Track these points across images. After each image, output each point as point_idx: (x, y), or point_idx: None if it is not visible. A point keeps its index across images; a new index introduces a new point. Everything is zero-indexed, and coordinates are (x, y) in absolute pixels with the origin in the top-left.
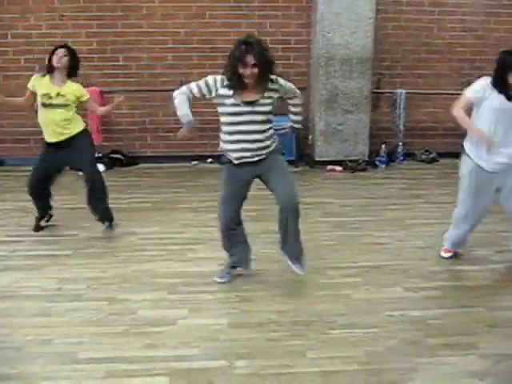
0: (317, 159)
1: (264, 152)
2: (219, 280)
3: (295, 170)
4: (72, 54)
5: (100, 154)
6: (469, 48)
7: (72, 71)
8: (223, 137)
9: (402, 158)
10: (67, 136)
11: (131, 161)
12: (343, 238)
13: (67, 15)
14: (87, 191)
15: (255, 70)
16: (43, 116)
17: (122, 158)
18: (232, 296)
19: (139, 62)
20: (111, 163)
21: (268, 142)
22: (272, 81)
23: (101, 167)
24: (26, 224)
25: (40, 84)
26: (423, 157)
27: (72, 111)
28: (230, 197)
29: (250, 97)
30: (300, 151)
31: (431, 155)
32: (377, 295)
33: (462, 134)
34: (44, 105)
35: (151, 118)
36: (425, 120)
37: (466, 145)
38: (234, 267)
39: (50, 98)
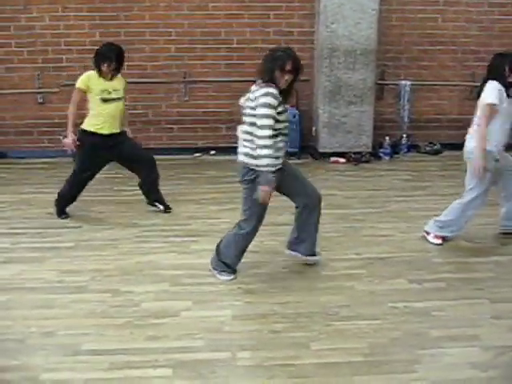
0: (320, 151)
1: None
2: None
3: (299, 161)
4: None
5: None
6: (473, 39)
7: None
8: None
9: (405, 150)
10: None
11: None
12: (347, 229)
13: (70, 7)
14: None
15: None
16: (102, 110)
17: None
18: (235, 288)
19: (142, 54)
20: None
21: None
22: None
23: None
24: (29, 216)
25: (95, 80)
26: (427, 148)
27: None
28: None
29: None
30: (304, 143)
31: (435, 147)
32: (380, 287)
33: (465, 125)
34: (104, 100)
35: (154, 110)
36: (429, 111)
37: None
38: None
39: (109, 93)
